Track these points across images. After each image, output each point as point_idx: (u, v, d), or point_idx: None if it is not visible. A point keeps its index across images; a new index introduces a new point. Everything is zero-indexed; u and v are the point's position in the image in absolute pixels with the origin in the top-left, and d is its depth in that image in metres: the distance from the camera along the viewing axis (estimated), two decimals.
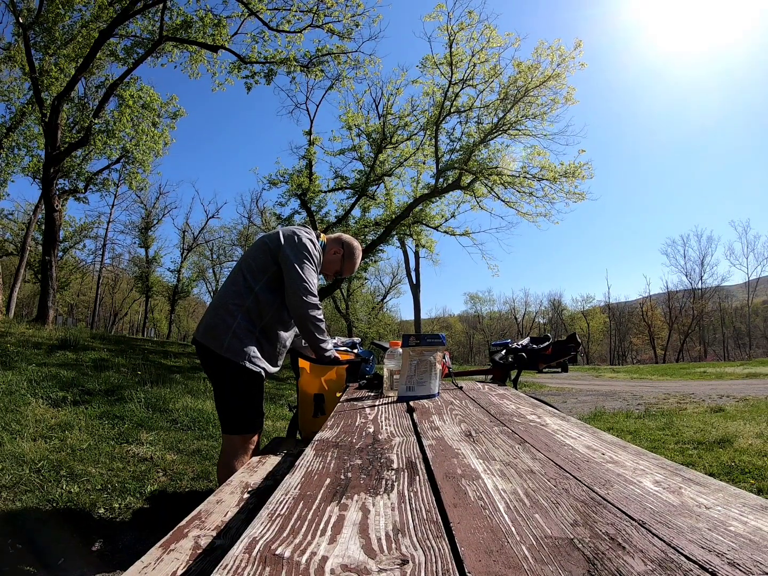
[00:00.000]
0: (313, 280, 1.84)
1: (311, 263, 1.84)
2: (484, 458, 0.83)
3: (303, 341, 2.11)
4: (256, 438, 1.89)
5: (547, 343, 2.77)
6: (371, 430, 1.11)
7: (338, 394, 2.17)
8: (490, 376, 2.84)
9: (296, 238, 1.87)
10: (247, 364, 1.79)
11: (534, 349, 2.76)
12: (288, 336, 2.00)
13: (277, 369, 1.97)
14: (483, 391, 1.87)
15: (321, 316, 1.86)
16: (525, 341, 2.90)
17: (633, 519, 0.55)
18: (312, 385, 2.37)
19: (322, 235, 2.10)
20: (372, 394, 1.80)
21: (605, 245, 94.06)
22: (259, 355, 1.84)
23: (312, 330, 1.86)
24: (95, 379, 5.12)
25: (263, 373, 1.86)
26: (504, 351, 2.82)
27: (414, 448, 0.92)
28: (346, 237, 2.16)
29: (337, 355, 1.99)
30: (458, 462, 0.81)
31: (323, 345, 1.90)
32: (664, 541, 0.48)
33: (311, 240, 1.92)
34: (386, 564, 0.45)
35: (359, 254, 2.16)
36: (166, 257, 39.70)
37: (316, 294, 1.84)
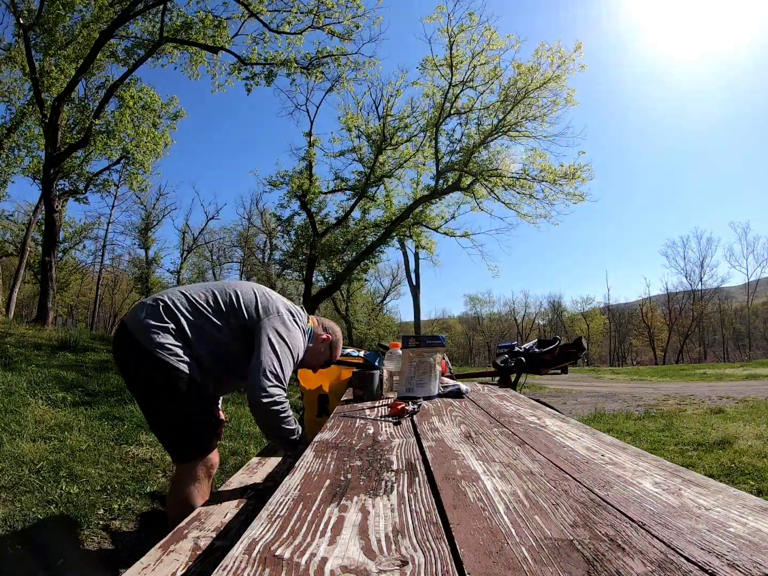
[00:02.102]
0: (287, 371, 1.54)
1: (291, 355, 1.56)
2: (484, 459, 0.83)
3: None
4: (212, 457, 1.55)
5: (553, 346, 2.78)
6: (371, 431, 1.11)
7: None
8: (497, 378, 2.86)
9: (284, 319, 1.60)
10: (181, 366, 1.46)
11: (536, 354, 2.77)
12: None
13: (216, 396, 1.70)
14: (483, 392, 1.87)
15: (285, 412, 1.51)
16: (529, 344, 2.90)
17: (633, 520, 0.55)
18: (316, 387, 2.38)
19: (310, 318, 1.83)
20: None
21: (605, 247, 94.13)
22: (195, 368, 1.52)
23: (269, 427, 1.52)
24: (95, 380, 5.11)
25: (198, 379, 1.51)
26: (507, 355, 2.83)
27: (414, 449, 0.92)
28: (327, 321, 1.94)
29: (296, 439, 1.56)
30: (458, 463, 0.81)
31: (285, 438, 1.53)
32: (664, 543, 0.48)
33: (302, 329, 1.68)
34: (386, 565, 0.45)
35: (341, 337, 1.94)
36: (165, 258, 39.80)
37: (285, 386, 1.53)
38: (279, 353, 1.51)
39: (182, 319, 1.52)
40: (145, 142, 11.71)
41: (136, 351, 1.48)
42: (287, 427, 1.51)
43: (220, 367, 1.59)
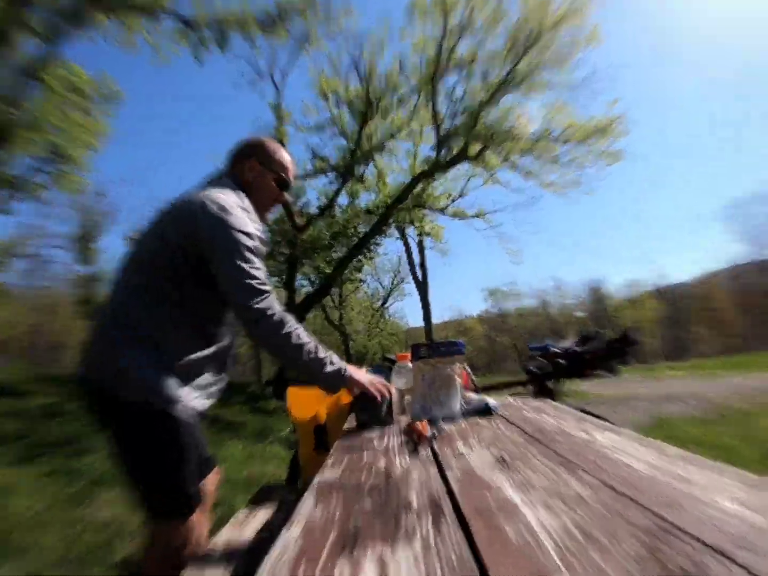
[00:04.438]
0: (260, 273, 1.46)
1: (250, 249, 1.46)
2: (522, 488, 0.83)
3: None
4: (197, 518, 1.46)
5: (595, 342, 2.79)
6: (382, 465, 1.11)
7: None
8: (530, 387, 2.87)
9: (224, 218, 1.45)
10: (157, 402, 1.35)
11: (577, 354, 2.78)
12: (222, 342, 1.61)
13: (211, 401, 1.56)
14: (515, 406, 1.88)
15: (286, 320, 1.44)
16: (567, 343, 2.91)
17: (711, 547, 0.55)
18: (311, 418, 2.36)
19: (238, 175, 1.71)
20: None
21: (650, 219, 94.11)
22: (172, 380, 1.40)
23: (284, 349, 1.44)
24: (42, 429, 5.12)
25: (189, 411, 1.42)
26: (540, 357, 2.85)
27: (436, 482, 0.92)
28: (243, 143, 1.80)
29: (346, 367, 1.55)
30: (491, 495, 0.81)
31: (312, 357, 1.46)
32: (748, 571, 0.48)
33: (242, 207, 1.55)
34: None
35: (271, 143, 1.76)
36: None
37: (269, 290, 1.45)
38: (238, 249, 1.43)
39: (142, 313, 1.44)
40: (78, 134, 11.71)
41: (111, 408, 1.40)
42: (297, 342, 1.43)
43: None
